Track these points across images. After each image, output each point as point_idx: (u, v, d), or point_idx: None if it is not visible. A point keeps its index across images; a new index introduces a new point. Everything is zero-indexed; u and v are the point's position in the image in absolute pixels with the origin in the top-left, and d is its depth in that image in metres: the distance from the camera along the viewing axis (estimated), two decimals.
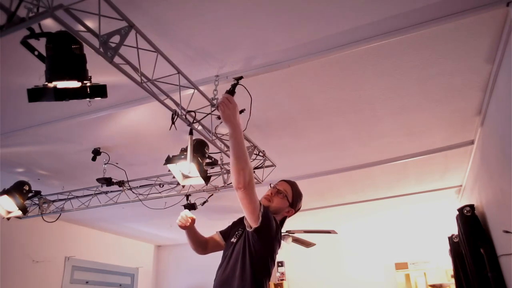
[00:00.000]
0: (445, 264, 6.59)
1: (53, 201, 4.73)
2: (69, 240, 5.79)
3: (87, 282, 6.01)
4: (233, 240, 2.52)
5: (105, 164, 3.88)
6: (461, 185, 5.10)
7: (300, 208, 2.57)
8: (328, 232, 5.12)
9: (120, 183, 4.19)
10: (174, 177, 3.22)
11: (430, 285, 6.24)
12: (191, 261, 7.43)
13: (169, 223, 5.94)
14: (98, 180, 3.99)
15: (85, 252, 6.05)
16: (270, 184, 2.58)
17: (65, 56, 1.90)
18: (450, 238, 4.93)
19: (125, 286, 6.75)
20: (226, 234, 2.67)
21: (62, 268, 5.57)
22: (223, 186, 3.85)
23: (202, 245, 2.68)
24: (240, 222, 2.56)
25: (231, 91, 2.69)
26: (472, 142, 3.86)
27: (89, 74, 2.00)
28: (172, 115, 2.41)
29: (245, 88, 2.73)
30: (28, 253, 5.22)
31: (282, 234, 5.38)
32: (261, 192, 4.69)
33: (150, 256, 7.61)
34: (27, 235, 5.26)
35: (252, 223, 2.15)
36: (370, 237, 7.44)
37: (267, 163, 3.62)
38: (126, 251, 7.00)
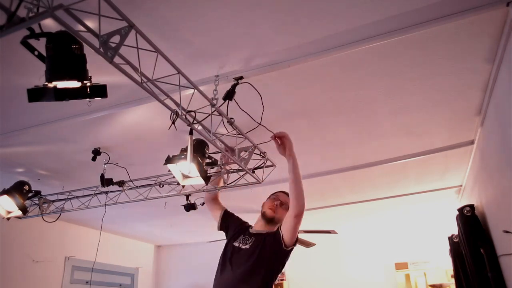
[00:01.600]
0: (445, 264, 6.59)
1: (53, 201, 4.73)
2: (69, 240, 5.79)
3: (87, 282, 6.00)
4: (238, 245, 2.64)
5: (105, 164, 3.88)
6: (461, 185, 5.10)
7: None
8: (328, 232, 5.12)
9: (120, 183, 4.19)
10: (174, 177, 3.22)
11: (430, 285, 6.25)
12: (191, 261, 7.44)
13: (169, 223, 5.94)
14: (101, 177, 3.97)
15: (85, 252, 6.05)
16: (270, 195, 2.89)
17: (65, 56, 1.90)
18: (450, 238, 4.94)
19: (125, 286, 6.75)
20: (227, 220, 2.99)
21: (62, 268, 5.57)
22: (223, 186, 3.85)
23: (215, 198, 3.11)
24: (246, 229, 2.83)
25: (231, 92, 2.69)
26: (472, 142, 3.86)
27: (89, 74, 2.00)
28: (172, 115, 2.41)
29: (253, 86, 2.74)
30: (28, 253, 5.22)
31: None
32: (261, 192, 4.70)
33: (150, 256, 7.61)
34: (27, 235, 5.26)
35: (289, 241, 2.61)
36: (370, 237, 7.44)
37: (268, 163, 3.62)
38: (126, 251, 7.00)
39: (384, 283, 7.10)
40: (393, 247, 7.23)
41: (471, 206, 4.01)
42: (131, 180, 4.40)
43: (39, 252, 5.37)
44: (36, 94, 2.00)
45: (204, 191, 4.11)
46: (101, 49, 1.86)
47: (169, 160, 2.99)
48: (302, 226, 5.76)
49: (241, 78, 2.67)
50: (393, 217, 6.51)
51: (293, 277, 7.84)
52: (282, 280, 7.75)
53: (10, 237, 5.04)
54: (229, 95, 2.70)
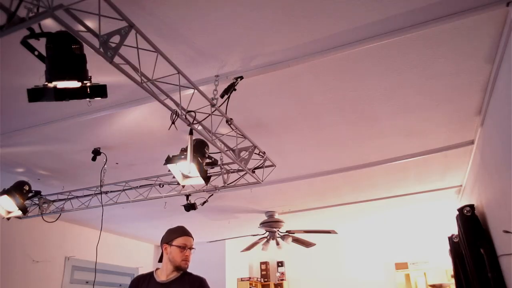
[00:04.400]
0: (445, 264, 6.60)
1: (53, 201, 4.73)
2: (69, 240, 5.79)
3: (87, 282, 6.00)
4: None
5: (105, 164, 3.88)
6: (461, 185, 5.10)
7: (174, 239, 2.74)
8: (328, 232, 5.12)
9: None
10: (174, 177, 3.22)
11: (430, 285, 6.25)
12: (191, 261, 7.44)
13: (169, 223, 5.95)
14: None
15: (85, 252, 6.06)
16: (175, 243, 2.68)
17: (65, 56, 1.90)
18: (450, 238, 4.94)
19: (125, 286, 6.75)
20: None
21: (62, 268, 5.57)
22: (223, 186, 3.85)
23: None
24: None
25: (228, 89, 2.69)
26: (472, 142, 3.86)
27: (89, 74, 2.00)
28: (172, 115, 2.41)
29: None
30: (28, 253, 5.22)
31: (282, 234, 5.39)
32: (260, 192, 4.68)
33: (150, 256, 7.61)
34: (27, 235, 5.26)
35: None
36: (370, 237, 7.45)
37: (267, 163, 3.63)
38: (126, 251, 7.00)
39: (384, 282, 7.11)
40: (393, 247, 7.24)
41: (471, 206, 4.01)
42: (130, 180, 4.40)
43: (39, 252, 5.37)
44: (36, 94, 2.00)
45: (204, 191, 4.12)
46: (101, 49, 1.86)
47: (169, 160, 2.99)
48: (302, 226, 5.78)
49: (241, 78, 2.67)
50: (393, 217, 6.51)
51: (293, 277, 7.84)
52: (282, 280, 7.75)
53: (10, 237, 5.04)
54: (226, 91, 2.69)
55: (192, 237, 2.74)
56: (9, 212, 4.10)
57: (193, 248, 2.71)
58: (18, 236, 5.12)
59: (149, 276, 2.72)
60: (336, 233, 5.22)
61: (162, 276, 2.66)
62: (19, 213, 4.02)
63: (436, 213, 6.22)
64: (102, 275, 6.30)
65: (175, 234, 2.71)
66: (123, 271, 6.75)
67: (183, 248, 2.65)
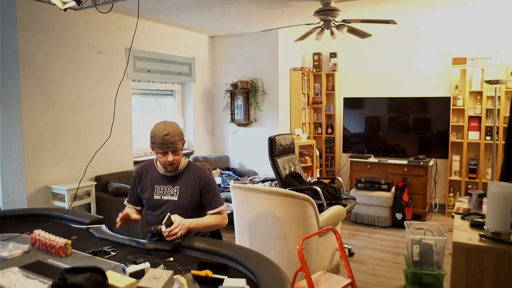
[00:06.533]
0: (507, 61, 6.35)
1: None
2: (127, 32, 5.92)
3: (149, 71, 6.42)
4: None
5: None
6: None
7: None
8: (387, 22, 4.79)
9: None
10: None
11: (486, 81, 6.10)
12: (243, 50, 7.60)
13: (221, 12, 5.85)
14: None
15: (143, 43, 6.28)
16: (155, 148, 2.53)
17: None
18: None
19: (184, 74, 7.20)
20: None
21: (124, 58, 5.89)
22: None
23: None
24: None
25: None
26: None
27: None
28: None
29: None
30: (92, 45, 5.48)
31: (338, 23, 5.15)
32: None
33: (205, 46, 7.80)
34: (88, 29, 5.42)
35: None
36: (429, 31, 7.07)
37: None
38: (182, 42, 7.19)
39: (438, 77, 7.06)
40: (452, 43, 6.90)
41: None
42: None
43: (101, 44, 5.61)
44: None
45: None
46: None
47: None
48: (358, 16, 5.47)
49: None
50: (461, 11, 5.92)
51: (345, 68, 7.94)
52: (334, 71, 7.89)
53: (74, 31, 5.22)
54: None
55: (172, 142, 2.44)
56: (64, 3, 4.12)
57: (177, 151, 2.49)
58: (79, 29, 5.31)
59: (152, 166, 2.70)
60: (395, 23, 4.86)
61: (163, 169, 2.64)
62: (74, 3, 4.02)
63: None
64: (162, 64, 6.67)
65: (153, 139, 2.48)
66: (181, 60, 7.09)
67: (163, 154, 2.48)
